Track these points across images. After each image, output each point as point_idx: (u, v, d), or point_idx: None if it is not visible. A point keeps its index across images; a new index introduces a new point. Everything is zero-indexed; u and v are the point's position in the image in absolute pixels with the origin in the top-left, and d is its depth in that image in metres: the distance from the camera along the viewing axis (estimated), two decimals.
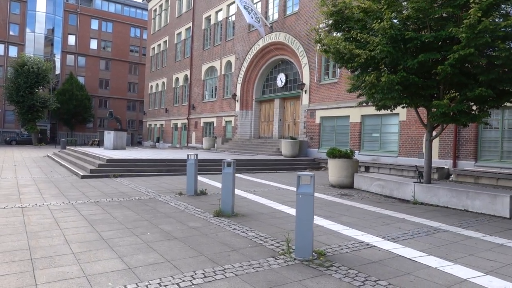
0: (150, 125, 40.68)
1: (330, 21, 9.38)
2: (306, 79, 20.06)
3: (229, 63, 27.17)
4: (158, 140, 36.40)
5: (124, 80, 53.11)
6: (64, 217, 6.29)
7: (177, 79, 34.68)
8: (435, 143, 14.12)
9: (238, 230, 5.71)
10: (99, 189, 9.56)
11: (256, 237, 5.32)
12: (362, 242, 5.22)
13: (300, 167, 17.26)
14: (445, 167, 13.66)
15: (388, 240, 5.35)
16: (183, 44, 33.80)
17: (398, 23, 7.49)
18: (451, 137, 13.65)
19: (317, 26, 9.40)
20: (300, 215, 4.50)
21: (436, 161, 13.97)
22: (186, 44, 33.45)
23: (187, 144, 31.83)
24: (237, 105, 25.73)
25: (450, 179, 13.39)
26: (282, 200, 8.65)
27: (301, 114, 20.65)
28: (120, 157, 14.18)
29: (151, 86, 40.43)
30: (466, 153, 13.29)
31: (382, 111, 14.61)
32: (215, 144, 25.67)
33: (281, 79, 23.27)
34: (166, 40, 37.35)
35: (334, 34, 9.75)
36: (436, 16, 7.53)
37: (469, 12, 6.53)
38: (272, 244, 4.99)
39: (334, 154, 11.08)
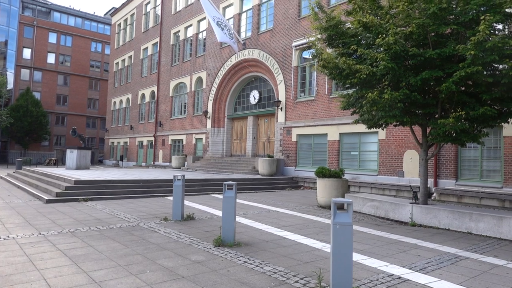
0: (113, 142, 38.83)
1: (321, 36, 9.08)
2: (282, 96, 19.79)
3: (199, 79, 26.51)
4: (121, 159, 34.68)
5: (84, 96, 50.72)
6: (39, 254, 5.31)
7: (143, 95, 33.45)
8: (415, 162, 14.16)
9: (250, 264, 5.02)
10: (71, 216, 8.48)
11: (274, 273, 4.66)
12: (392, 275, 4.70)
13: (279, 186, 16.75)
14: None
15: (417, 271, 4.88)
16: (149, 60, 32.77)
17: (400, 39, 7.25)
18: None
19: (315, 40, 9.00)
20: (337, 249, 3.93)
21: (417, 180, 13.96)
22: (153, 59, 32.46)
23: (154, 163, 30.50)
24: (209, 122, 25.00)
25: (432, 198, 13.37)
26: (278, 224, 8.04)
27: (276, 131, 20.28)
28: (88, 178, 12.99)
29: (114, 102, 38.79)
30: (447, 172, 13.37)
31: (360, 129, 14.55)
32: (185, 162, 24.68)
33: (254, 96, 22.90)
34: (131, 55, 36.13)
35: (327, 50, 9.46)
36: (439, 33, 7.39)
37: (477, 28, 6.40)
38: (297, 281, 4.36)
39: (323, 173, 10.66)
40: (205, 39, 26.24)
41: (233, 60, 23.19)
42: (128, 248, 5.70)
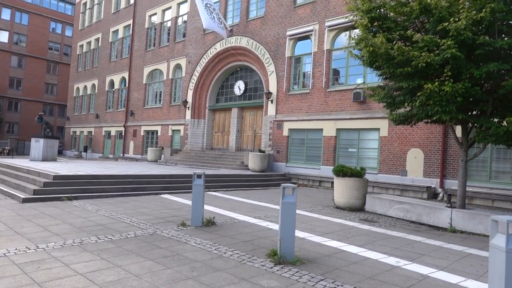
0: (75, 132, 35.97)
1: (360, 18, 8.06)
2: (273, 88, 18.71)
3: (178, 67, 24.80)
4: (85, 150, 32.07)
5: (41, 80, 46.76)
6: (54, 281, 3.92)
7: (112, 81, 31.05)
8: (419, 161, 13.67)
9: None
10: (64, 220, 6.96)
11: None
12: None
13: (273, 184, 15.73)
14: (431, 186, 13.19)
15: None
16: (120, 43, 30.40)
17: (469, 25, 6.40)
18: (437, 155, 13.26)
19: (358, 22, 7.89)
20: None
21: (421, 180, 13.50)
22: (124, 43, 30.14)
23: (123, 155, 28.40)
24: (188, 113, 23.43)
25: (438, 198, 12.93)
26: (315, 230, 7.01)
27: (265, 125, 19.20)
28: (67, 172, 11.26)
29: (78, 88, 35.88)
30: (453, 172, 12.94)
31: (360, 125, 13.80)
32: (162, 155, 22.99)
33: (239, 87, 21.65)
34: (98, 38, 33.43)
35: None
36: (510, 21, 6.64)
37: None
38: None
39: (344, 172, 9.75)
40: (185, 22, 24.52)
41: (218, 47, 21.76)
42: (169, 269, 4.42)
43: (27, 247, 5.12)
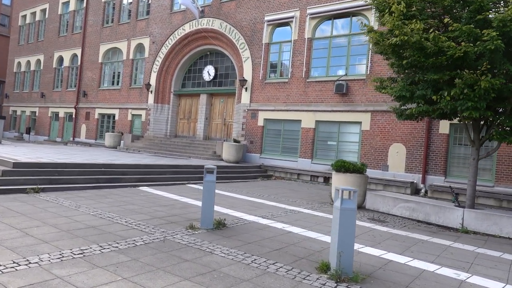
0: (15, 111, 32.42)
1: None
2: (247, 75, 17.79)
3: (140, 47, 22.93)
4: (28, 131, 28.99)
5: None
6: None
7: (60, 57, 28.17)
8: (401, 156, 13.61)
9: None
10: (43, 220, 5.68)
11: None
12: None
13: (251, 176, 14.97)
14: (413, 181, 13.18)
15: None
16: (72, 17, 27.56)
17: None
18: (420, 151, 13.26)
19: (399, 8, 7.01)
20: None
21: (403, 175, 13.46)
22: (76, 17, 27.38)
23: (73, 139, 25.97)
24: (151, 97, 21.79)
25: (421, 194, 12.96)
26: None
27: (238, 113, 18.28)
28: (27, 159, 9.62)
29: (19, 63, 32.23)
30: (436, 168, 13.02)
31: (341, 118, 13.40)
32: (122, 141, 21.23)
33: (209, 72, 20.45)
34: (45, 9, 30.10)
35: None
36: None
37: None
38: None
39: (346, 167, 9.23)
40: None
41: (187, 28, 20.31)
42: None
43: (14, 262, 3.92)
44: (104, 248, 4.59)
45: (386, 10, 7.13)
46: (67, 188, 8.61)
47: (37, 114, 29.79)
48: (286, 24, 16.94)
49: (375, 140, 14.23)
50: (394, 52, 7.21)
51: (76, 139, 25.80)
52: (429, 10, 7.17)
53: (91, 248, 4.56)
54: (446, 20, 6.62)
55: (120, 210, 6.93)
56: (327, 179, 14.86)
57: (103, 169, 10.14)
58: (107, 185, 9.43)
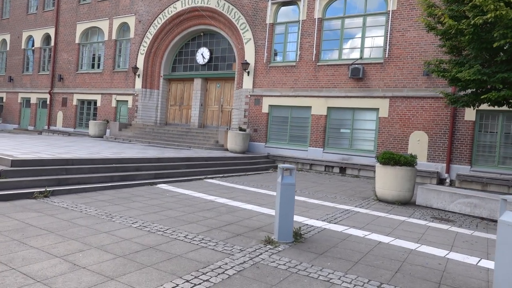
0: None
1: None
2: (250, 58, 16.49)
3: (125, 26, 20.95)
4: None
5: None
6: None
7: (30, 37, 25.54)
8: (423, 144, 12.93)
9: None
10: (81, 240, 4.37)
11: None
12: None
13: (262, 167, 13.86)
14: (437, 171, 12.55)
15: None
16: None
17: None
18: (444, 139, 12.62)
19: None
20: None
21: (425, 164, 12.79)
22: None
23: (48, 127, 23.75)
24: (138, 81, 20.03)
25: (445, 184, 12.36)
26: (429, 240, 5.43)
27: (239, 99, 17.00)
28: (27, 156, 8.04)
29: None
30: (461, 157, 12.43)
31: (356, 104, 12.43)
32: (108, 130, 19.45)
33: (203, 55, 18.94)
34: None
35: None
36: None
37: None
38: None
39: (396, 160, 8.30)
40: None
41: (179, 6, 18.62)
42: None
43: None
44: (195, 285, 3.38)
45: None
46: (80, 189, 7.18)
47: (4, 100, 27.09)
48: (293, 3, 15.70)
49: (394, 127, 13.45)
50: (474, 33, 6.25)
51: (52, 127, 23.60)
52: None
53: (177, 285, 3.35)
54: None
55: (162, 218, 5.67)
56: (343, 169, 14.00)
57: (115, 165, 8.70)
58: (123, 184, 8.04)
